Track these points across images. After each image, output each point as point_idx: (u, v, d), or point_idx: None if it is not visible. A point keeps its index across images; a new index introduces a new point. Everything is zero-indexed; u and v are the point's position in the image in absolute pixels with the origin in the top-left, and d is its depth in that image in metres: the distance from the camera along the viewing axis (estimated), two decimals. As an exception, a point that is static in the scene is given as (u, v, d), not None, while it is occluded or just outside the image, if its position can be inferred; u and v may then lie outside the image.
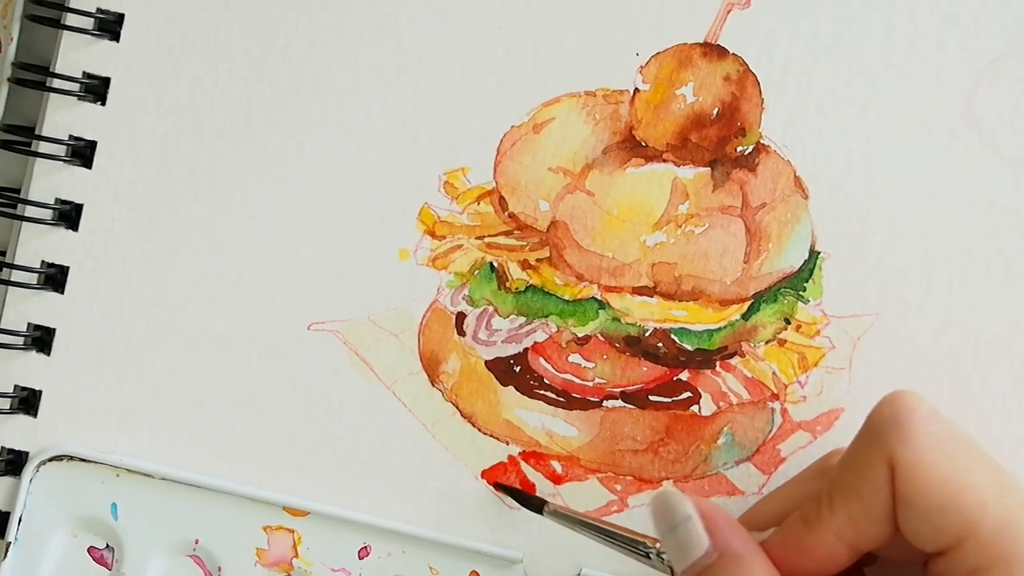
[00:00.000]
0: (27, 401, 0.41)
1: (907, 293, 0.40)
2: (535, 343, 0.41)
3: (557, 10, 0.40)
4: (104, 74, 0.41)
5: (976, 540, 0.30)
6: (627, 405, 0.40)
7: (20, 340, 0.41)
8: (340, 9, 0.41)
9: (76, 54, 0.41)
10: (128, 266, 0.41)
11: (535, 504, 0.39)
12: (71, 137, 0.41)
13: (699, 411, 0.40)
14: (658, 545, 0.35)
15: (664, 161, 0.40)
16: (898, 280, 0.40)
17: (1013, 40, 0.40)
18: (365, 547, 0.41)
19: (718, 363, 0.40)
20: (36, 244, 0.41)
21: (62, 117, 0.41)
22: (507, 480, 0.40)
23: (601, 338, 0.40)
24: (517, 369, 0.41)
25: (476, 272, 0.41)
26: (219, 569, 0.41)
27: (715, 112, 0.40)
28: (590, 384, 0.40)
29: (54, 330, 0.41)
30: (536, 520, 0.40)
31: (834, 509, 0.32)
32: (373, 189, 0.41)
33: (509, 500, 0.40)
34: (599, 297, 0.40)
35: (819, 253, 0.40)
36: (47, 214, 0.41)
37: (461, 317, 0.41)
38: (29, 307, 0.41)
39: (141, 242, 0.41)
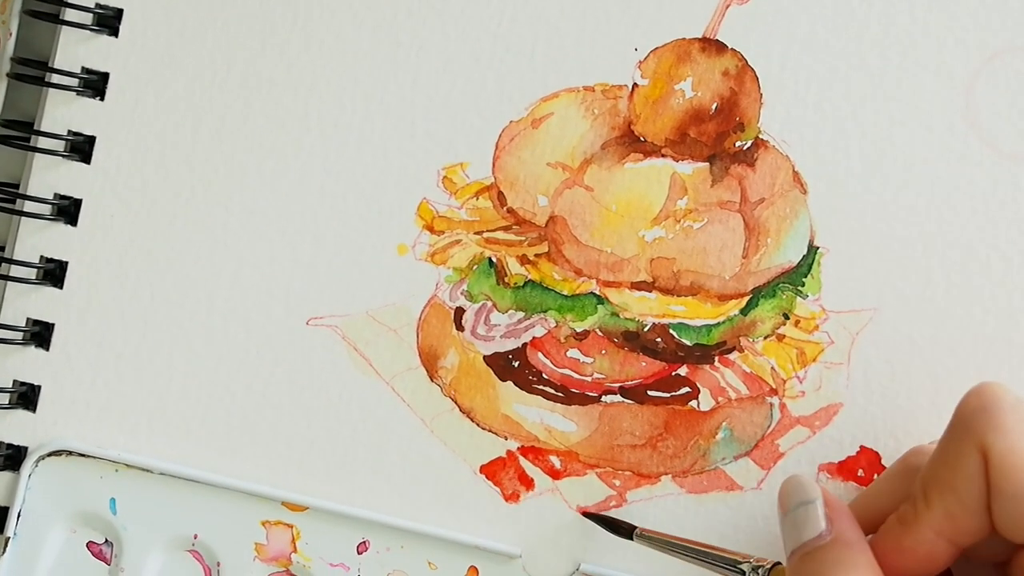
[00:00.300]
0: (26, 396, 0.41)
1: (905, 288, 0.40)
2: (534, 338, 0.41)
3: (555, 5, 0.40)
4: (103, 69, 0.41)
5: None
6: (626, 400, 0.40)
7: (19, 335, 0.41)
8: (338, 5, 0.41)
9: (75, 49, 0.41)
10: (127, 261, 0.41)
11: (624, 530, 0.39)
12: (70, 132, 0.41)
13: (698, 406, 0.40)
14: (752, 560, 0.35)
15: (663, 156, 0.40)
16: (896, 275, 0.40)
17: (1012, 36, 0.40)
18: (364, 542, 0.41)
19: (717, 358, 0.40)
20: (35, 239, 0.41)
21: (61, 112, 0.41)
22: (506, 476, 0.40)
23: (600, 333, 0.40)
24: (516, 364, 0.41)
25: (475, 267, 0.41)
26: (218, 564, 0.41)
27: (714, 107, 0.40)
28: (588, 379, 0.40)
29: (53, 325, 0.41)
30: (534, 515, 0.40)
31: (930, 505, 0.32)
32: (372, 184, 0.41)
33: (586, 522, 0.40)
34: (598, 292, 0.40)
35: (818, 248, 0.40)
36: (46, 209, 0.41)
37: (460, 312, 0.41)
38: (28, 302, 0.41)
39: (140, 237, 0.41)
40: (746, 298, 0.40)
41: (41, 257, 0.41)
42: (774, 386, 0.40)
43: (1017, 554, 0.32)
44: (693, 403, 0.40)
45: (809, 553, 0.33)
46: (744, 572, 0.35)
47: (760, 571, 0.35)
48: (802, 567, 0.33)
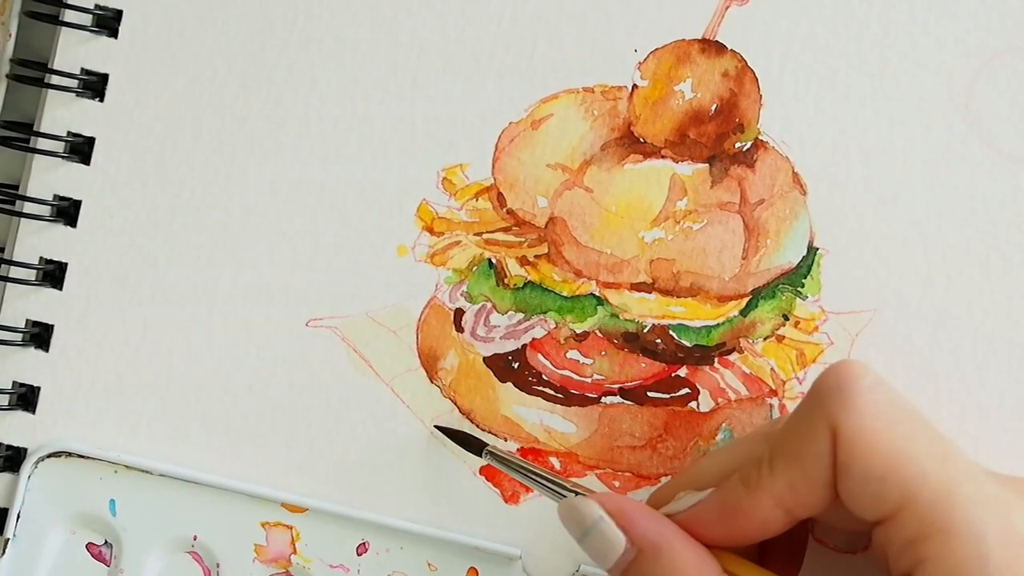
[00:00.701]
0: (25, 397, 0.41)
1: (905, 289, 0.40)
2: (533, 339, 0.41)
3: (555, 6, 0.40)
4: (102, 70, 0.41)
5: (914, 510, 0.30)
6: (625, 401, 0.40)
7: (19, 336, 0.41)
8: (338, 5, 0.41)
9: (74, 50, 0.41)
10: (126, 262, 0.41)
11: (475, 446, 0.39)
12: (69, 134, 0.41)
13: (697, 407, 0.40)
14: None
15: (662, 157, 0.40)
16: (896, 276, 0.40)
17: (1011, 36, 0.40)
18: (363, 543, 0.41)
19: (716, 359, 0.40)
20: (34, 241, 0.41)
21: (60, 114, 0.41)
22: (506, 477, 0.40)
23: (599, 334, 0.40)
24: (515, 365, 0.41)
25: (474, 268, 0.41)
26: (217, 566, 0.41)
27: (713, 108, 0.40)
28: (588, 380, 0.40)
29: (52, 326, 0.41)
30: (534, 516, 0.40)
31: (775, 474, 0.32)
32: (371, 185, 0.41)
33: (453, 446, 0.40)
34: (597, 293, 0.40)
35: (817, 249, 0.40)
36: (45, 211, 0.41)
37: (459, 313, 0.41)
38: (27, 303, 0.41)
39: (139, 238, 0.41)
40: (746, 299, 0.40)
41: (40, 258, 0.41)
42: (774, 387, 0.40)
43: (872, 529, 0.32)
44: (693, 404, 0.40)
45: (625, 571, 0.33)
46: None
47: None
48: None
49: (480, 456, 0.39)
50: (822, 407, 0.32)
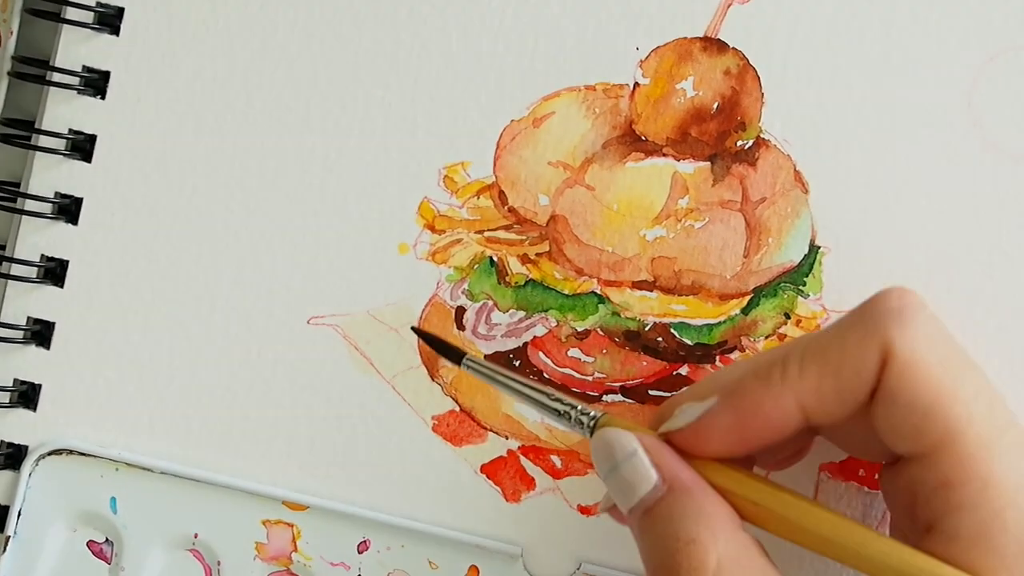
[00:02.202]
0: (26, 395, 0.41)
1: (907, 287, 0.40)
2: (535, 337, 0.41)
3: (557, 4, 0.40)
4: (104, 68, 0.41)
5: (954, 452, 0.29)
6: (627, 400, 0.40)
7: (20, 334, 0.41)
8: (339, 3, 0.41)
9: (76, 48, 0.41)
10: (128, 260, 0.41)
11: (454, 355, 0.37)
12: (71, 131, 0.41)
13: (699, 406, 0.40)
14: (579, 407, 0.34)
15: (664, 155, 0.40)
16: (898, 275, 0.40)
17: (1014, 35, 0.40)
18: (364, 541, 0.41)
19: (718, 358, 0.40)
20: (36, 238, 0.41)
21: (62, 111, 0.41)
22: (507, 475, 0.40)
23: (601, 333, 0.40)
24: (517, 363, 0.41)
25: (476, 266, 0.41)
26: (218, 563, 0.41)
27: (715, 106, 0.40)
28: (590, 379, 0.40)
29: (54, 324, 0.41)
30: (535, 514, 0.40)
31: (804, 373, 0.31)
32: (372, 183, 0.41)
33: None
34: (599, 291, 0.40)
35: (819, 248, 0.40)
36: (47, 208, 0.41)
37: (461, 311, 0.41)
38: (29, 301, 0.41)
39: (141, 236, 0.41)
40: (747, 297, 0.40)
41: (42, 256, 0.41)
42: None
43: (901, 462, 0.31)
44: (694, 402, 0.40)
45: (649, 509, 0.32)
46: (569, 416, 0.34)
47: (586, 419, 0.34)
48: (647, 525, 0.32)
49: (459, 365, 0.37)
50: (877, 324, 0.30)
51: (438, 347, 0.38)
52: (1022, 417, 0.38)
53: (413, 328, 0.39)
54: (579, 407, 0.34)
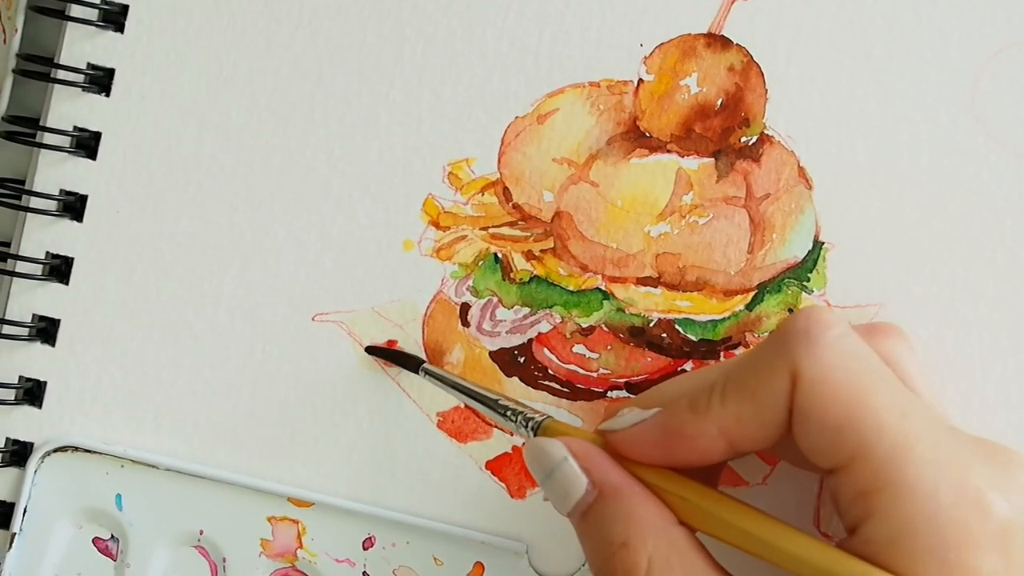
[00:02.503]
0: (32, 392, 0.41)
1: (910, 284, 0.40)
2: (539, 334, 0.41)
3: (561, 1, 0.40)
4: (108, 65, 0.41)
5: (867, 462, 0.30)
6: (631, 396, 0.40)
7: (25, 331, 0.41)
8: (344, 0, 0.41)
9: (80, 45, 0.41)
10: (133, 257, 0.41)
11: (412, 363, 0.39)
12: (76, 128, 0.41)
13: (703, 401, 0.40)
14: (526, 411, 0.35)
15: (668, 152, 0.40)
16: (902, 271, 0.40)
17: (1017, 31, 0.40)
18: (369, 538, 0.41)
19: (722, 354, 0.40)
20: (41, 235, 0.41)
21: (67, 108, 0.41)
22: (512, 471, 0.40)
23: (605, 329, 0.40)
24: (521, 360, 0.41)
25: (480, 263, 0.41)
26: (223, 560, 0.41)
27: (719, 103, 0.40)
28: (594, 375, 0.40)
29: (59, 321, 0.41)
30: (541, 511, 0.40)
31: (725, 403, 0.32)
32: (377, 180, 0.41)
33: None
34: (603, 288, 0.40)
35: (823, 243, 0.40)
36: (52, 205, 0.41)
37: (465, 308, 0.41)
38: (34, 298, 0.41)
39: (146, 233, 0.41)
40: (751, 293, 0.40)
41: (47, 253, 0.41)
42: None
43: (825, 476, 0.31)
44: (699, 398, 0.40)
45: (584, 514, 0.33)
46: (514, 420, 0.35)
47: (531, 423, 0.35)
48: (584, 527, 0.33)
49: (418, 373, 0.39)
50: (786, 348, 0.31)
51: (396, 359, 0.40)
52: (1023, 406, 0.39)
53: (367, 348, 0.40)
54: (524, 412, 0.35)
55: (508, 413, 0.36)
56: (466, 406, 0.40)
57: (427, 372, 0.39)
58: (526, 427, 0.35)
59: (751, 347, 0.33)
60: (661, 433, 0.32)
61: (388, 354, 0.40)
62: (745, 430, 0.32)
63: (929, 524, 0.29)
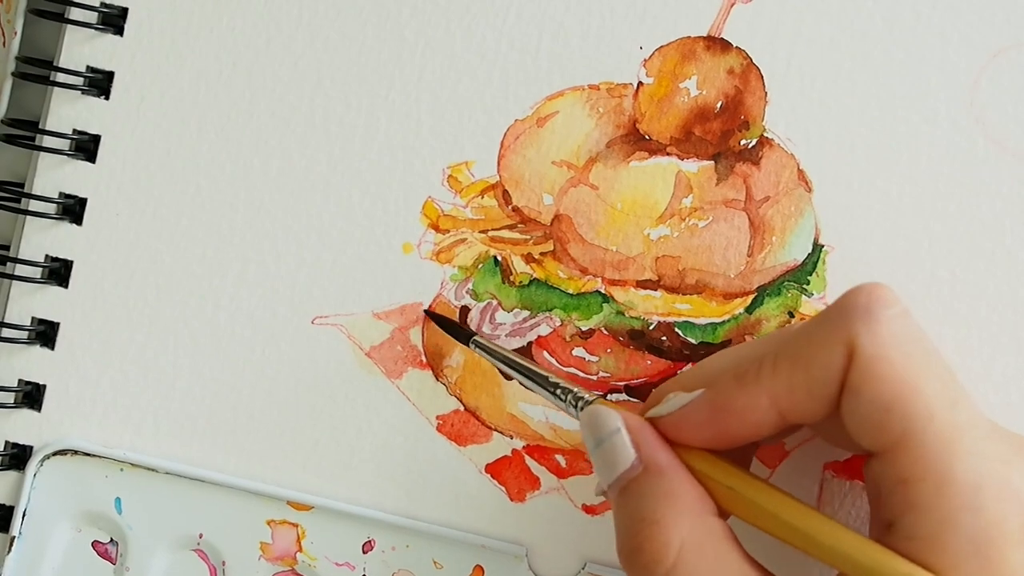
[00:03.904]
0: (31, 395, 0.41)
1: (910, 286, 0.40)
2: (539, 337, 0.41)
3: (561, 3, 0.40)
4: (108, 68, 0.41)
5: (913, 449, 0.29)
6: (631, 399, 0.40)
7: (24, 334, 0.41)
8: (343, 2, 0.41)
9: (80, 48, 0.41)
10: (132, 260, 0.41)
11: (463, 335, 0.39)
12: (75, 131, 0.41)
13: (703, 404, 0.40)
14: (574, 390, 0.36)
15: (668, 155, 0.40)
16: (901, 273, 0.40)
17: (1017, 33, 0.40)
18: (369, 541, 0.41)
19: (722, 356, 0.40)
20: (40, 238, 0.41)
21: (66, 111, 0.41)
22: (512, 475, 0.40)
23: (605, 332, 0.40)
24: (521, 363, 0.41)
25: (480, 266, 0.41)
26: (223, 563, 0.41)
27: (719, 105, 0.40)
28: (594, 378, 0.40)
29: (58, 324, 0.41)
30: (540, 514, 0.40)
31: (777, 372, 0.32)
32: (376, 183, 0.41)
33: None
34: (603, 291, 0.40)
35: (823, 246, 0.40)
36: (51, 208, 0.41)
37: (465, 311, 0.41)
38: (33, 301, 0.41)
39: (145, 236, 0.41)
40: (751, 296, 0.40)
41: (46, 256, 0.41)
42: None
43: (867, 458, 0.31)
44: (699, 401, 0.40)
45: (626, 487, 0.33)
46: (564, 399, 0.36)
47: (580, 403, 0.35)
48: (622, 501, 0.33)
49: (468, 345, 0.39)
50: (844, 322, 0.31)
51: (449, 328, 0.40)
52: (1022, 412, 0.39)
53: (425, 311, 0.40)
54: (576, 390, 0.36)
55: (558, 391, 0.36)
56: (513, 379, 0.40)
57: (477, 344, 0.39)
58: (576, 406, 0.35)
59: (805, 321, 0.33)
60: (710, 410, 0.32)
61: (443, 321, 0.40)
62: (796, 400, 0.31)
63: (973, 519, 0.29)
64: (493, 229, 0.41)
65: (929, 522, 0.29)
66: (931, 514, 0.29)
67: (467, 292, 0.41)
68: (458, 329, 0.40)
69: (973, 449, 0.29)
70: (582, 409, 0.35)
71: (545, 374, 0.37)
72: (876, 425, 0.30)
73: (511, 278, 0.41)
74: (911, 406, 0.30)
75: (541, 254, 0.41)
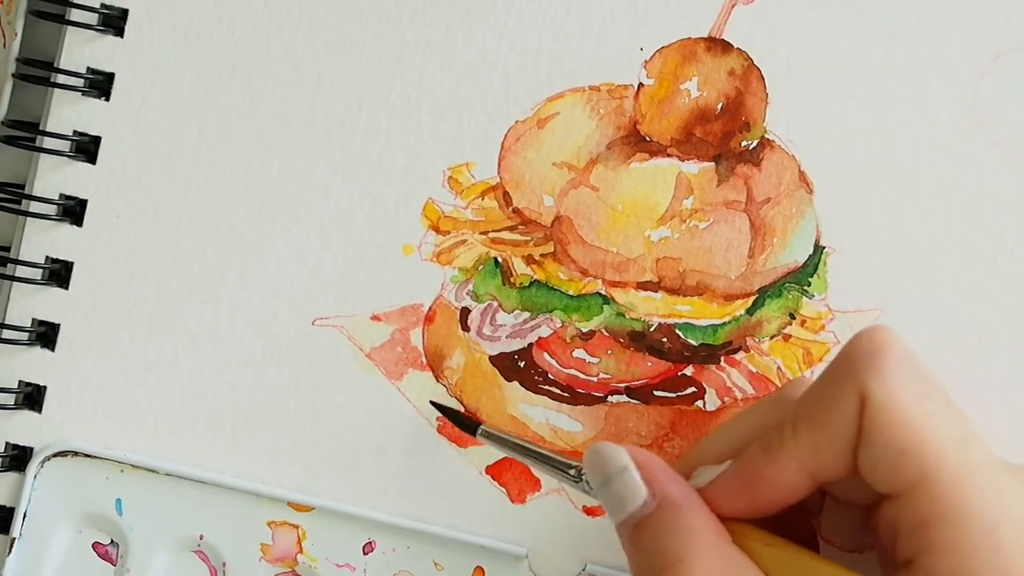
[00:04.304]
0: (32, 397, 0.41)
1: (911, 288, 0.40)
2: (539, 338, 0.40)
3: (561, 5, 0.40)
4: (108, 70, 0.41)
5: (929, 491, 0.30)
6: (632, 400, 0.40)
7: (25, 336, 0.41)
8: (344, 4, 0.41)
9: (80, 50, 0.41)
10: (132, 261, 0.41)
11: (470, 425, 0.39)
12: (75, 133, 0.41)
13: (704, 406, 0.40)
14: (581, 465, 0.35)
15: (668, 156, 0.40)
16: (902, 275, 0.40)
17: (1018, 35, 0.40)
18: (370, 542, 0.41)
19: (723, 358, 0.40)
20: (41, 240, 0.41)
21: (66, 113, 0.41)
22: (512, 476, 0.40)
23: (605, 333, 0.40)
24: (521, 364, 0.41)
25: (480, 267, 0.41)
26: (223, 564, 0.41)
27: (719, 107, 0.40)
28: (595, 379, 0.40)
29: (59, 326, 0.41)
30: (541, 515, 0.40)
31: (798, 437, 0.32)
32: (377, 184, 0.41)
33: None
34: (603, 292, 0.40)
35: (824, 248, 0.40)
36: (52, 210, 0.41)
37: (465, 312, 0.41)
38: (34, 303, 0.41)
39: (145, 237, 0.41)
40: (752, 298, 0.40)
41: (47, 258, 0.41)
42: (780, 386, 0.40)
43: (883, 502, 0.31)
44: (699, 403, 0.40)
45: (639, 524, 0.32)
46: (572, 475, 0.36)
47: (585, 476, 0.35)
48: (636, 540, 0.32)
49: (474, 435, 0.39)
50: (852, 371, 0.31)
51: (455, 419, 0.40)
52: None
53: (432, 402, 0.40)
54: (582, 465, 0.35)
55: (572, 472, 0.36)
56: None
57: (485, 434, 0.39)
58: (589, 484, 0.35)
59: (819, 377, 0.33)
60: (741, 480, 0.32)
61: (446, 411, 0.40)
62: (822, 459, 0.31)
63: (992, 556, 0.29)
64: (494, 230, 0.41)
65: (950, 561, 0.29)
66: (951, 553, 0.29)
67: (467, 293, 0.41)
68: (465, 420, 0.40)
69: (987, 487, 0.30)
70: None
71: (559, 458, 0.36)
72: (891, 469, 0.30)
73: (511, 279, 0.41)
74: (924, 448, 0.30)
75: (542, 255, 0.41)
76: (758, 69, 0.40)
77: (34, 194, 0.41)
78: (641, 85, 0.40)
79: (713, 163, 0.40)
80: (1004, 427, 0.39)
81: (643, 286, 0.40)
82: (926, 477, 0.30)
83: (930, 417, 0.30)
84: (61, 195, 0.41)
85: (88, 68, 0.41)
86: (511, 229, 0.41)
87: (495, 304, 0.41)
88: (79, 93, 0.41)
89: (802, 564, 0.32)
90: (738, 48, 0.40)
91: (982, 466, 0.30)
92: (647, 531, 0.32)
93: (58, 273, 0.41)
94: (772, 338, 0.40)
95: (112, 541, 0.41)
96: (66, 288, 0.41)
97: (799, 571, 0.32)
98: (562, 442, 0.40)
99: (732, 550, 0.32)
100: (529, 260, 0.41)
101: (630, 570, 0.33)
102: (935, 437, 0.30)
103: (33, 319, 0.41)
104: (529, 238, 0.41)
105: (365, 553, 0.41)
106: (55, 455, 0.41)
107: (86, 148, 0.41)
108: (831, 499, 0.35)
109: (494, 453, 0.40)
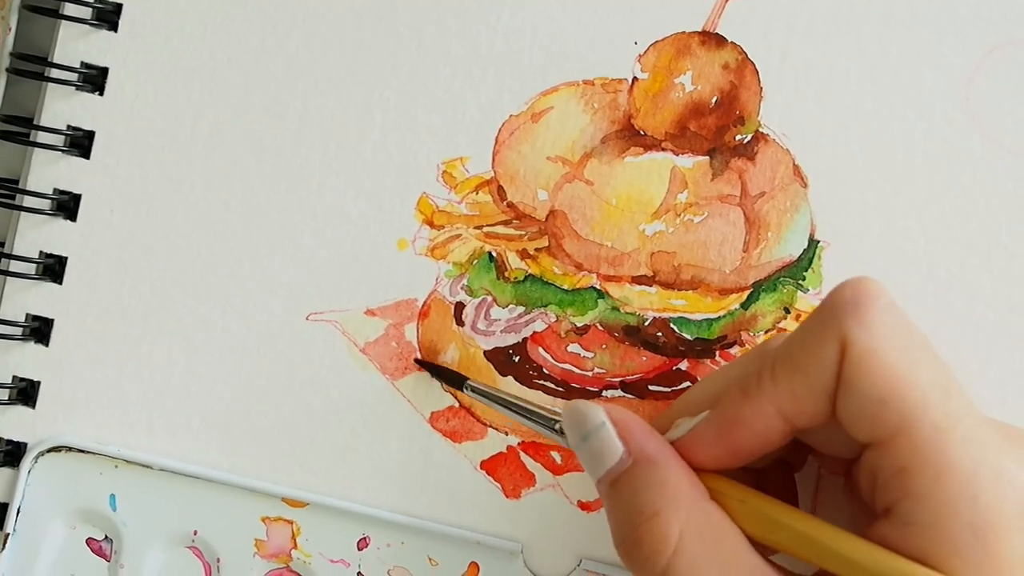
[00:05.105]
0: (25, 392, 0.41)
1: (906, 282, 0.40)
2: (534, 333, 0.40)
3: (555, -1, 0.41)
4: (102, 64, 0.41)
5: (910, 439, 0.30)
6: (626, 395, 0.40)
7: (18, 331, 0.41)
8: (338, -1, 0.41)
9: (74, 44, 0.41)
10: (126, 256, 0.41)
11: (456, 380, 0.39)
12: (69, 127, 0.41)
13: (699, 400, 0.40)
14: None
15: (663, 150, 0.40)
16: (897, 269, 0.40)
17: (1012, 29, 0.40)
18: (364, 538, 0.41)
19: (718, 352, 0.40)
20: (34, 234, 0.41)
21: (60, 107, 0.41)
22: (507, 471, 0.40)
23: (600, 328, 0.40)
24: (516, 359, 0.40)
25: (475, 262, 0.41)
26: (218, 560, 0.41)
27: (714, 101, 0.40)
28: (589, 374, 0.40)
29: (52, 321, 0.41)
30: (535, 511, 0.40)
31: (776, 381, 0.32)
32: (371, 179, 0.41)
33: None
34: (598, 287, 0.40)
35: (818, 242, 0.40)
36: (45, 204, 0.41)
37: (460, 307, 0.41)
38: (27, 298, 0.41)
39: (139, 232, 0.41)
40: (747, 292, 0.40)
41: (40, 252, 0.41)
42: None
43: (863, 452, 0.31)
44: (694, 397, 0.40)
45: (616, 480, 0.32)
46: (557, 429, 0.36)
47: None
48: (614, 495, 0.33)
49: (461, 389, 0.39)
50: (834, 318, 0.31)
51: (441, 375, 0.40)
52: (1019, 405, 0.39)
53: (416, 360, 0.40)
54: None
55: (558, 427, 0.36)
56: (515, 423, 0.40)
57: (472, 388, 0.39)
58: None
59: (801, 323, 0.33)
60: (718, 428, 0.32)
61: (433, 368, 0.40)
62: (800, 404, 0.31)
63: (970, 505, 0.29)
64: (488, 225, 0.41)
65: (927, 509, 0.29)
66: (929, 501, 0.29)
67: (462, 288, 0.41)
68: (451, 374, 0.40)
69: (968, 437, 0.29)
70: None
71: (545, 413, 0.36)
72: (872, 418, 0.30)
73: (506, 274, 0.41)
74: (906, 397, 0.30)
75: (536, 250, 0.40)
76: (752, 63, 0.40)
77: (28, 189, 0.41)
78: (635, 79, 0.40)
79: (707, 157, 0.40)
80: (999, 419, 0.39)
81: (638, 280, 0.40)
82: (906, 426, 0.30)
83: (912, 366, 0.30)
84: (55, 190, 0.41)
85: (82, 63, 0.41)
86: (505, 223, 0.41)
87: (490, 299, 0.41)
88: (73, 88, 0.41)
89: (777, 515, 0.32)
90: (732, 42, 0.40)
91: (963, 417, 0.30)
92: (624, 487, 0.32)
93: (52, 268, 0.41)
94: (767, 332, 0.40)
95: (106, 537, 0.41)
96: (60, 283, 0.41)
97: (774, 522, 0.31)
98: (557, 437, 0.40)
99: (708, 503, 0.32)
100: (524, 254, 0.40)
101: (609, 525, 0.33)
102: (916, 386, 0.30)
103: (27, 314, 0.41)
104: (523, 232, 0.41)
105: (360, 549, 0.41)
106: (49, 450, 0.41)
107: (80, 143, 0.41)
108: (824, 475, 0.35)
109: (489, 448, 0.40)
